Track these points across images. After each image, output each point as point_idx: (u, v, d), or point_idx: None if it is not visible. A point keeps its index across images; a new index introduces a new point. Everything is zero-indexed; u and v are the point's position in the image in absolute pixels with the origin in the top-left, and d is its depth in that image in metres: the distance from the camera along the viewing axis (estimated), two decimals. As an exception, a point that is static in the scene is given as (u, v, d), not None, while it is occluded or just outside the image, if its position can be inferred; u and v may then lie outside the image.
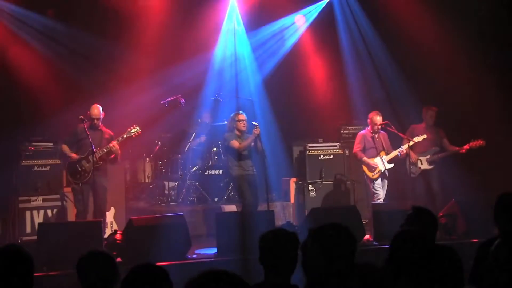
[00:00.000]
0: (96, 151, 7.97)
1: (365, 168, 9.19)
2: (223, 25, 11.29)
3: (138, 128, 8.26)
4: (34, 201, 8.53)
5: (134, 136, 8.34)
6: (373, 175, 9.11)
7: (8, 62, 9.73)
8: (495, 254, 3.18)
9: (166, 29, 10.69)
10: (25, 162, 8.64)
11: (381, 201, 8.99)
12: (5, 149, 8.70)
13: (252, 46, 11.36)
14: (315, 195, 9.80)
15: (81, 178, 8.09)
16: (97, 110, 8.21)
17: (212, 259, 7.11)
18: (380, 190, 9.08)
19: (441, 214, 7.92)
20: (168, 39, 10.76)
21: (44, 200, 8.60)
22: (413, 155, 9.38)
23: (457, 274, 4.01)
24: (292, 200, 10.08)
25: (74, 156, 8.09)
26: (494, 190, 5.24)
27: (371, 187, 9.12)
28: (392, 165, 9.17)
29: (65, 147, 8.23)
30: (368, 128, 9.30)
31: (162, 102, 10.08)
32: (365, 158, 9.14)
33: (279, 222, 8.99)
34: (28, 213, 8.45)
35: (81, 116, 8.06)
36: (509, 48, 10.01)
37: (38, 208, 8.53)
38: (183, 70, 10.76)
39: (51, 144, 8.89)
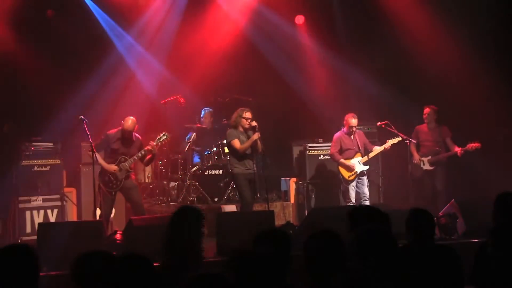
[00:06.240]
0: (128, 159, 8.11)
1: (341, 170, 9.24)
2: (223, 25, 11.30)
3: (167, 134, 8.34)
4: (34, 201, 8.53)
5: (164, 143, 8.51)
6: (349, 177, 9.16)
7: (8, 62, 9.73)
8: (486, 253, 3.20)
9: (166, 28, 10.71)
10: (25, 162, 8.62)
11: (353, 202, 9.04)
12: (5, 149, 8.71)
13: (252, 46, 11.36)
14: (315, 195, 9.81)
15: (114, 186, 8.15)
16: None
17: (212, 259, 7.10)
18: (353, 191, 9.14)
19: (441, 214, 7.92)
20: (168, 38, 10.79)
21: (44, 200, 8.60)
22: (416, 156, 9.44)
23: (457, 274, 4.02)
24: (292, 200, 10.09)
25: (114, 168, 8.09)
26: (494, 190, 5.24)
27: (347, 188, 9.16)
28: (367, 166, 9.20)
29: (98, 156, 8.07)
30: (344, 129, 9.32)
31: (162, 102, 10.09)
32: (342, 160, 9.18)
33: (279, 222, 8.99)
34: (28, 213, 8.45)
35: (81, 116, 8.04)
36: (509, 48, 10.02)
37: (38, 208, 8.54)
38: (183, 69, 10.78)
39: (51, 144, 8.88)
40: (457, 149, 9.33)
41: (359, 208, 3.93)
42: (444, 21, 10.10)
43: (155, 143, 8.22)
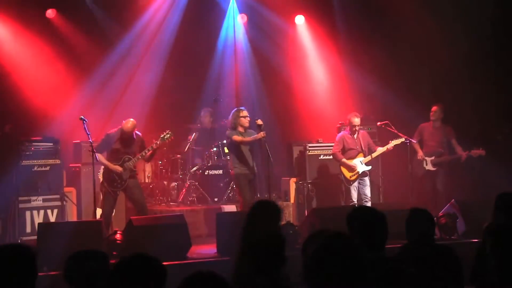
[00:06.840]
0: (132, 159, 8.10)
1: (343, 169, 9.18)
2: (223, 25, 11.32)
3: (170, 133, 8.31)
4: (34, 201, 8.53)
5: (167, 142, 8.47)
6: (350, 177, 9.11)
7: (8, 62, 9.73)
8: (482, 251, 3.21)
9: (166, 28, 10.72)
10: (25, 162, 8.61)
11: (355, 203, 8.96)
12: (5, 149, 8.70)
13: (252, 46, 11.37)
14: (315, 195, 9.80)
15: (118, 186, 8.11)
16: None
17: (212, 259, 7.11)
18: (355, 192, 9.08)
19: (441, 214, 7.92)
20: (168, 38, 10.79)
21: (44, 200, 8.59)
22: (420, 154, 9.40)
23: (457, 274, 4.03)
24: (292, 200, 10.08)
25: (119, 169, 8.04)
26: (494, 190, 5.25)
27: (349, 189, 9.10)
28: (370, 167, 9.15)
29: (101, 157, 8.07)
30: (347, 129, 9.28)
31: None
32: (344, 160, 9.11)
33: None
34: (28, 213, 8.45)
35: (81, 116, 8.04)
36: (509, 48, 10.01)
37: (38, 208, 8.53)
38: (183, 70, 10.78)
39: (51, 144, 8.87)
40: (461, 153, 9.31)
41: (356, 209, 3.93)
42: (444, 21, 10.10)
43: (159, 142, 8.19)
